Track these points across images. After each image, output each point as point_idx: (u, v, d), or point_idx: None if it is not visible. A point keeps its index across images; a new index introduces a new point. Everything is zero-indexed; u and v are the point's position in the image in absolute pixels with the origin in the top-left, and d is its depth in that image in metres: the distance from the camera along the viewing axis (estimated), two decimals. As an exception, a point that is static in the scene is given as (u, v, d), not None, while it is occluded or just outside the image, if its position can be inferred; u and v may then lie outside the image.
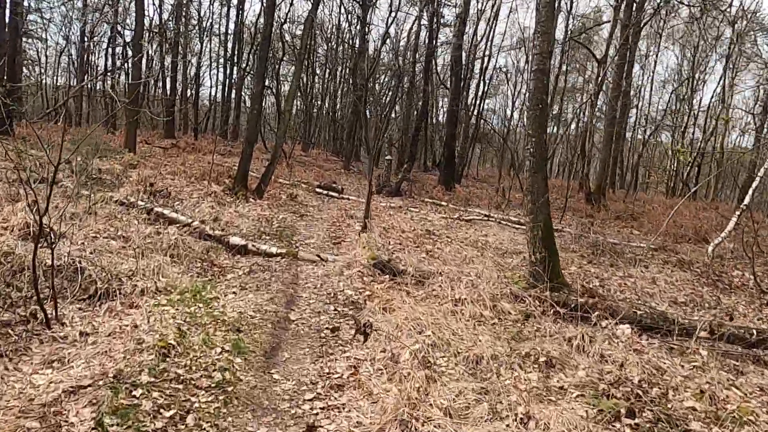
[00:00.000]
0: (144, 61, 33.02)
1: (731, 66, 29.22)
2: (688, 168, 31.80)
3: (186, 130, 31.74)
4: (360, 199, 15.05)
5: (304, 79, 31.34)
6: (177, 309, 5.44)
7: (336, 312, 5.96)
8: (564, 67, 30.41)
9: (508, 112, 34.91)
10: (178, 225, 8.27)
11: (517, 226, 12.94)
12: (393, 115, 30.77)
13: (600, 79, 17.14)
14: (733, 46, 28.76)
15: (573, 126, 38.65)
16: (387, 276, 7.07)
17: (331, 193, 15.44)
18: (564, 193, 22.23)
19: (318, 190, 15.54)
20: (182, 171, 13.73)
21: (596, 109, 18.34)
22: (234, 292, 6.26)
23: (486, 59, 22.10)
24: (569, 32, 28.19)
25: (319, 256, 7.64)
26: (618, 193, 24.96)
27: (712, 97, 29.97)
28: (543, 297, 6.35)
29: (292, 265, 7.47)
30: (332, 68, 34.52)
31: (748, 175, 24.55)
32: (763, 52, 34.21)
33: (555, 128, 34.76)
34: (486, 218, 13.69)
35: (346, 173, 20.81)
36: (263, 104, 29.92)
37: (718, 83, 29.31)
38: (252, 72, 29.17)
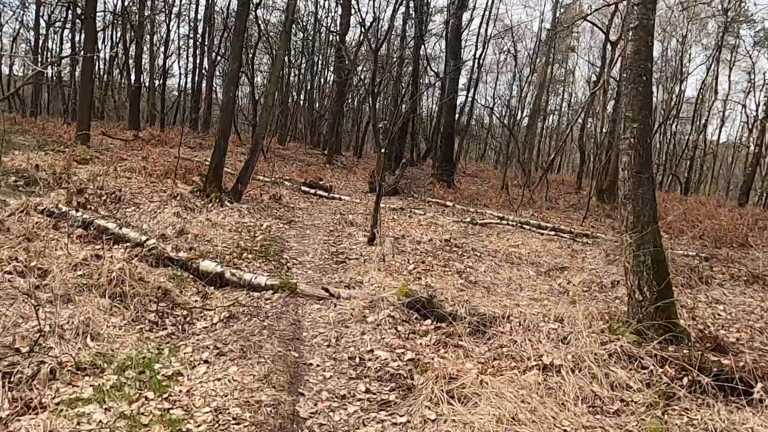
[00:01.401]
0: (108, 47, 30.01)
1: (727, 58, 27.73)
2: (677, 160, 30.33)
3: (154, 121, 28.85)
4: (354, 199, 12.76)
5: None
6: (108, 410, 3.12)
7: (368, 396, 3.70)
8: (551, 57, 28.56)
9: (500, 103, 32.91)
10: (127, 245, 5.87)
11: (542, 231, 10.83)
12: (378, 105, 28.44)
13: (613, 62, 15.14)
14: (725, 35, 27.21)
15: (560, 118, 36.92)
16: (429, 321, 4.83)
17: (319, 192, 13.09)
18: (561, 189, 20.31)
19: (304, 188, 13.18)
20: (142, 168, 11.21)
21: (609, 97, 16.34)
22: (206, 361, 3.94)
23: (481, 46, 19.94)
24: (557, 19, 26.25)
25: (327, 290, 5.34)
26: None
27: (702, 88, 28.36)
28: (673, 358, 4.19)
29: (290, 304, 5.16)
30: (309, 57, 31.94)
31: (751, 170, 23.04)
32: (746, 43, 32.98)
33: (544, 121, 33.13)
34: (502, 221, 11.55)
35: (330, 168, 18.45)
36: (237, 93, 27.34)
37: (706, 74, 27.69)
38: (225, 56, 26.54)
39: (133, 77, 27.06)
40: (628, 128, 4.86)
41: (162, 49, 30.40)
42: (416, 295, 4.98)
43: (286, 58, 28.47)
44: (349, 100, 31.40)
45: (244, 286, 5.47)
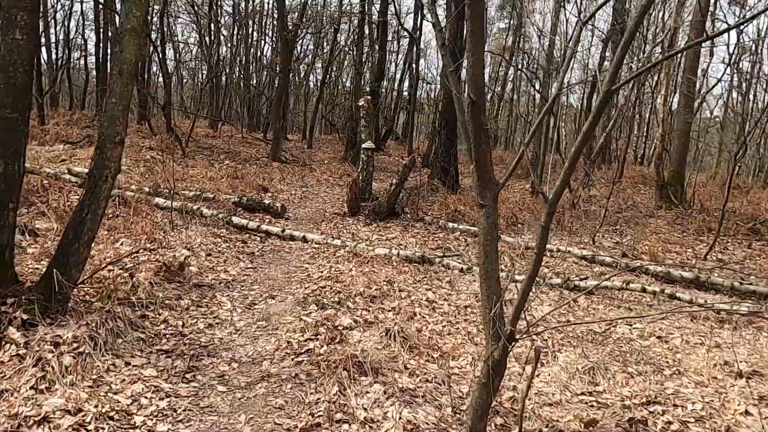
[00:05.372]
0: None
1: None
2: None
3: (71, 105, 21.28)
4: (329, 237, 6.67)
5: (207, 41, 21.80)
6: None
7: None
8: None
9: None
10: None
11: (715, 305, 5.26)
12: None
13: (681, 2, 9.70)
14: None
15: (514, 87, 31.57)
16: None
17: (264, 223, 6.99)
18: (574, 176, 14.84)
19: (237, 219, 7.00)
20: None
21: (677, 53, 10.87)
22: None
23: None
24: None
25: None
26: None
27: (670, 44, 23.52)
28: None
29: None
30: (241, 25, 24.89)
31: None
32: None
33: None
34: (608, 275, 5.90)
35: (278, 168, 12.15)
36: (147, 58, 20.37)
37: (666, 34, 22.91)
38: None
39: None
40: None
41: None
42: None
43: (218, 28, 21.53)
44: (292, 75, 24.77)
45: None
